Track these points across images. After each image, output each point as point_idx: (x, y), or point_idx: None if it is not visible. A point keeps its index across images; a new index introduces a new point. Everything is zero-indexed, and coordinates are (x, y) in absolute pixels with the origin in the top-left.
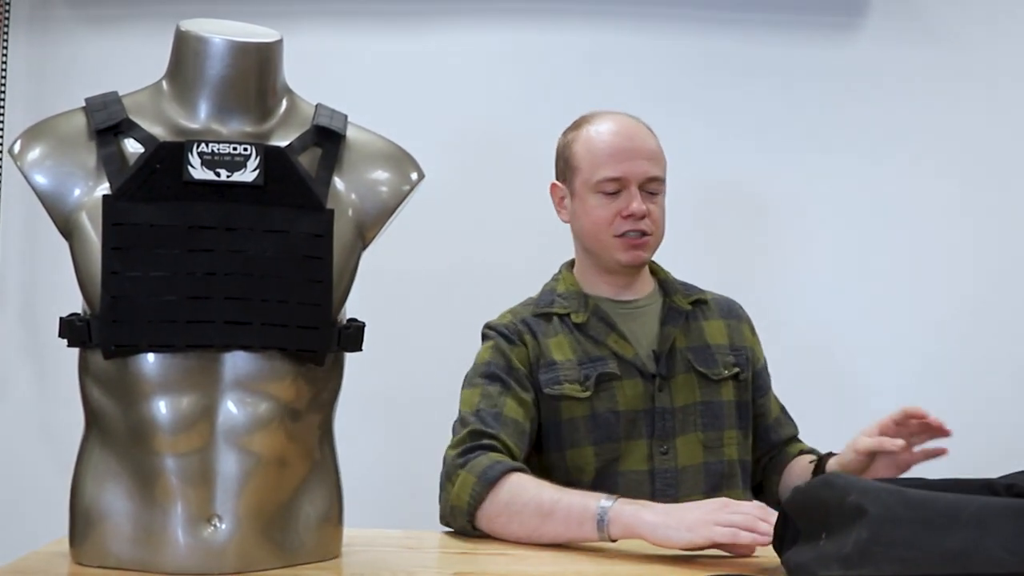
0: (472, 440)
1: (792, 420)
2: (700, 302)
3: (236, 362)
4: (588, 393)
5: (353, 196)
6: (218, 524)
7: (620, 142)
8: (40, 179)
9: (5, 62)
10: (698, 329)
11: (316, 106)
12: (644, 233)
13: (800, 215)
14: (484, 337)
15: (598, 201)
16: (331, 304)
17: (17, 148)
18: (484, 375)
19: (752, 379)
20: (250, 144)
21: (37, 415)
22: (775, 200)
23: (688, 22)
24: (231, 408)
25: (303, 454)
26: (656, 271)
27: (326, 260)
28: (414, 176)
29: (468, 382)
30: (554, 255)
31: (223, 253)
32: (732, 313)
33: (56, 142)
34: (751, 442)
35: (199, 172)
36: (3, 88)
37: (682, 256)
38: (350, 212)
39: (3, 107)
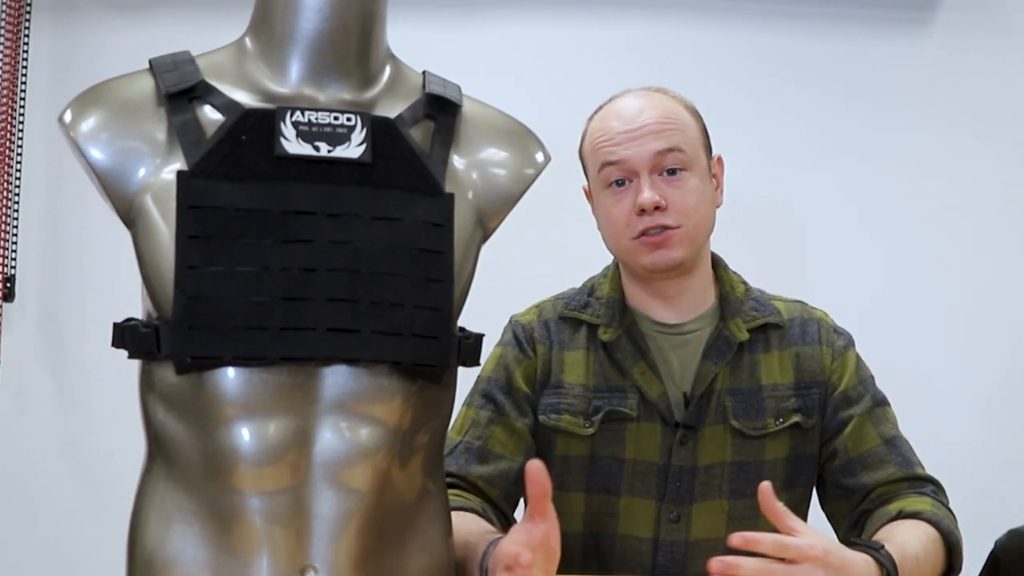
0: None
1: (903, 458)
2: (768, 327)
3: (336, 379)
4: (591, 430)
5: (474, 176)
6: None
7: (619, 123)
8: (97, 155)
9: (27, 50)
10: (751, 365)
11: (423, 73)
12: (667, 227)
13: (868, 223)
14: (504, 333)
15: (609, 198)
16: (452, 308)
17: (69, 116)
18: (483, 394)
19: (821, 419)
20: (354, 113)
21: (60, 431)
22: (835, 207)
23: (750, 16)
24: (329, 435)
25: (412, 490)
26: (722, 281)
27: (447, 254)
28: (540, 158)
29: (469, 397)
30: None
31: (324, 244)
32: (807, 337)
33: (117, 108)
34: (821, 498)
35: (294, 145)
36: (24, 82)
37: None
38: (470, 196)
39: (24, 102)
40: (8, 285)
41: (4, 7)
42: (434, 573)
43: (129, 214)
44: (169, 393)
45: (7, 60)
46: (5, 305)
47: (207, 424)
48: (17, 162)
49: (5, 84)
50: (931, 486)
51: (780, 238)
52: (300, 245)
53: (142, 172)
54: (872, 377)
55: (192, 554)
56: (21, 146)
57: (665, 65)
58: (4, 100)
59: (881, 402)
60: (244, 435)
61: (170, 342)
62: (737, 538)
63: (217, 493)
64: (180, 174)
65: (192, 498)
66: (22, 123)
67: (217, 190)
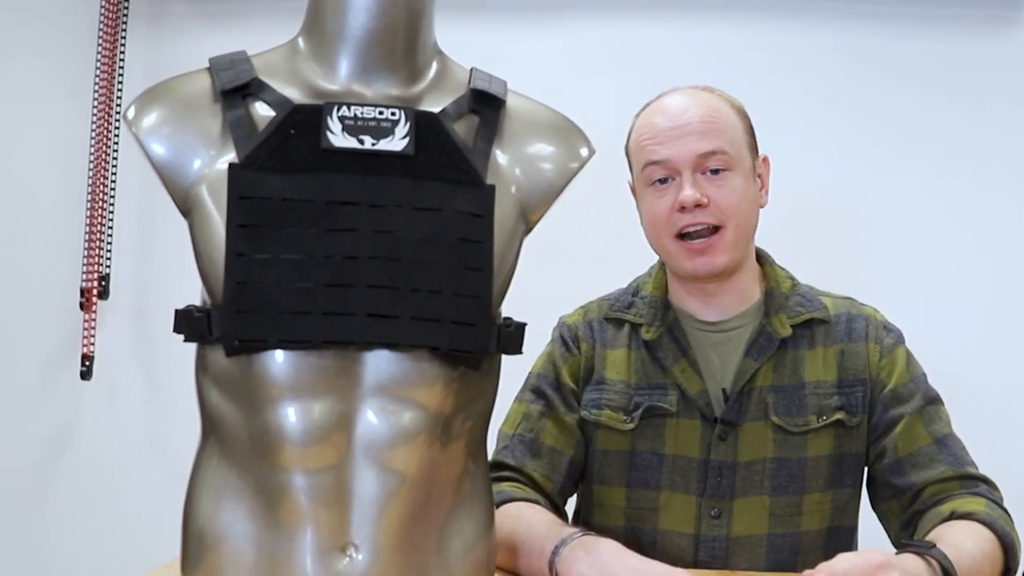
0: (494, 471)
1: (954, 456)
2: (813, 323)
3: (378, 363)
4: (631, 425)
5: (517, 171)
6: (354, 554)
7: (663, 120)
8: (157, 148)
9: (123, 58)
10: (795, 362)
11: (471, 70)
12: (714, 227)
13: (950, 227)
14: (552, 333)
15: (652, 195)
16: (491, 296)
17: (132, 113)
18: (533, 389)
19: (869, 417)
20: (398, 108)
21: (148, 423)
22: (917, 211)
23: (833, 17)
24: (371, 418)
25: (453, 474)
26: (768, 275)
27: (486, 244)
28: (584, 152)
29: (520, 393)
30: None
31: (367, 234)
32: (854, 334)
33: (176, 105)
34: (872, 499)
35: (340, 139)
36: (121, 86)
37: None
38: (513, 189)
39: (120, 106)
40: (103, 283)
41: (102, 17)
42: (475, 554)
43: (185, 204)
44: (221, 375)
45: (105, 67)
46: (100, 303)
47: (255, 405)
48: (113, 165)
49: (103, 89)
50: (984, 485)
51: (860, 240)
52: (344, 234)
53: (197, 164)
54: (924, 375)
55: (240, 529)
56: (117, 149)
57: (747, 66)
58: (101, 105)
59: (933, 400)
60: (290, 415)
61: (220, 326)
62: None
63: (264, 471)
64: (231, 166)
65: (241, 475)
66: (118, 126)
67: (266, 181)
